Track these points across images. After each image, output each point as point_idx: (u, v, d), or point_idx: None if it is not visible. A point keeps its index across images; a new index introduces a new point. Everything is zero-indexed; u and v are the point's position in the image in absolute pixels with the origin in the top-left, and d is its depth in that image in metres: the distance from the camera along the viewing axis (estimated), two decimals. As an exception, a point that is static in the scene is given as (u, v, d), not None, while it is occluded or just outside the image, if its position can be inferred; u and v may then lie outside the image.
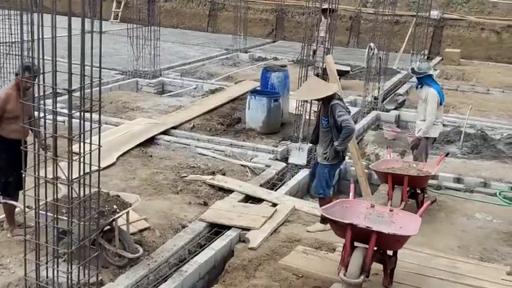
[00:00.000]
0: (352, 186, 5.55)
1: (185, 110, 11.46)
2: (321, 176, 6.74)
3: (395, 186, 7.24)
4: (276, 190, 8.05)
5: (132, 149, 9.21)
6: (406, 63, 17.14)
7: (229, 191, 7.83)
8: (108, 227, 5.66)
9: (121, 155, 8.89)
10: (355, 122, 11.70)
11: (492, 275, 5.71)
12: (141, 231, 6.44)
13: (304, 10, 11.55)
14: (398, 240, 4.74)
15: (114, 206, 5.69)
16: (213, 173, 8.44)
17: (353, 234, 4.64)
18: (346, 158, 9.17)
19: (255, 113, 10.46)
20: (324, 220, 6.81)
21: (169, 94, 13.52)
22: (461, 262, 5.98)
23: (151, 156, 9.07)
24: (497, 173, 9.05)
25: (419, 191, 7.50)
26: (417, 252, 6.02)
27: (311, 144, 7.34)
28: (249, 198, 7.68)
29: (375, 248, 4.70)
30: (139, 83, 14.04)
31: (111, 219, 5.50)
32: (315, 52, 9.95)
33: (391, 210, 5.14)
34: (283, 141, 10.01)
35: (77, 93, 4.37)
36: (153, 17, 22.69)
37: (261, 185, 8.12)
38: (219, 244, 6.38)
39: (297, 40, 20.37)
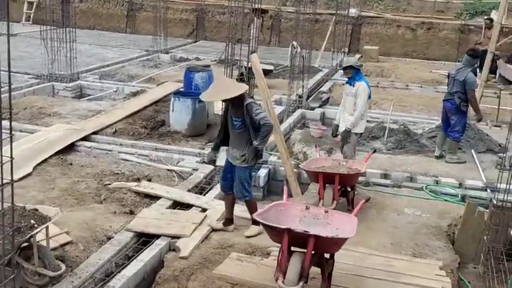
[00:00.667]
0: (285, 188, 5.38)
1: (106, 114, 10.98)
2: (242, 179, 6.43)
3: (326, 185, 7.15)
4: (204, 194, 7.80)
5: (50, 157, 8.68)
6: (328, 61, 17.31)
7: (156, 198, 7.50)
8: (26, 244, 5.22)
9: (38, 164, 8.35)
10: (281, 122, 11.65)
11: (426, 271, 5.72)
12: (63, 245, 6.00)
13: (225, 10, 11.44)
14: (336, 243, 4.61)
15: (32, 221, 5.24)
16: (138, 180, 8.07)
17: (290, 239, 4.47)
18: (275, 158, 9.12)
19: (179, 115, 10.15)
20: (256, 222, 6.72)
21: (88, 98, 12.94)
22: (396, 260, 5.96)
23: (71, 164, 8.58)
24: (422, 167, 9.19)
25: (349, 189, 7.45)
26: (352, 252, 5.95)
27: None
28: (178, 205, 7.39)
29: (313, 252, 4.54)
30: (56, 87, 13.37)
31: (29, 235, 5.06)
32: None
33: (326, 212, 5.01)
34: (209, 143, 9.76)
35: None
36: (68, 18, 21.83)
37: (189, 190, 7.84)
38: (148, 255, 6.05)
39: (219, 40, 20.23)
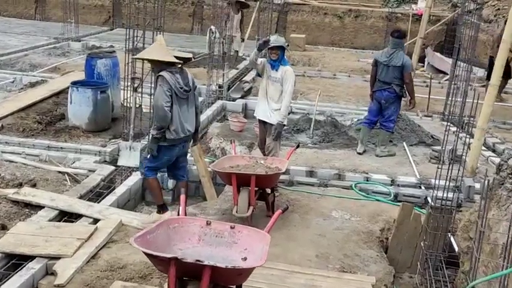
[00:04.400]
0: (182, 197, 4.28)
1: (-6, 107, 9.52)
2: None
3: (241, 187, 6.11)
4: (100, 201, 6.59)
5: None
6: (251, 49, 16.25)
7: (38, 208, 6.23)
8: None
9: None
10: (200, 113, 10.53)
11: (357, 290, 4.78)
12: None
13: None
14: (241, 274, 3.56)
15: None
16: (20, 185, 6.76)
17: (179, 270, 3.38)
18: (188, 155, 8.00)
19: (78, 107, 8.85)
20: (161, 208, 6.23)
21: (-24, 89, 11.36)
22: (322, 277, 4.99)
23: None
24: (352, 163, 8.32)
25: (269, 191, 6.45)
26: (269, 270, 4.93)
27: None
28: (65, 215, 6.16)
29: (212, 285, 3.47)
30: None
31: None
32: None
33: (232, 227, 3.94)
34: (113, 140, 8.54)
35: None
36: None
37: (81, 196, 6.61)
38: (17, 281, 4.80)
39: (140, 28, 18.73)
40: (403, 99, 8.96)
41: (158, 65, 6.04)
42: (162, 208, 6.26)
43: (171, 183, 7.47)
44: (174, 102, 5.96)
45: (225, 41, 11.84)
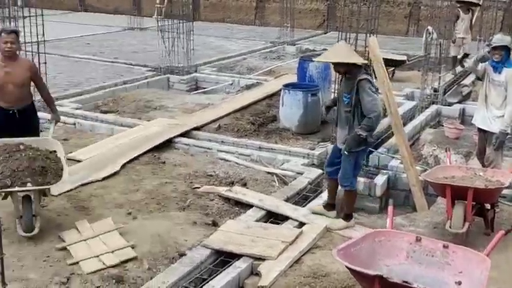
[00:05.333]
0: (390, 209, 3.98)
1: (213, 108, 10.10)
2: (345, 165, 5.80)
3: (456, 201, 5.58)
4: (306, 204, 6.54)
5: (144, 154, 7.90)
6: (473, 51, 15.16)
7: (247, 207, 6.38)
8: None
9: (128, 162, 7.59)
10: (411, 119, 10.07)
11: None
12: (124, 262, 5.07)
13: None
14: (455, 302, 3.17)
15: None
16: (232, 184, 7.01)
17: (384, 289, 3.11)
18: (397, 162, 7.64)
19: (289, 110, 8.97)
20: (347, 215, 5.94)
21: (199, 91, 12.19)
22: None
23: (163, 162, 7.73)
24: None
25: (488, 207, 5.82)
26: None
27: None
28: (271, 216, 6.22)
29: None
30: (171, 79, 12.78)
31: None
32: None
33: (445, 247, 3.55)
34: (322, 143, 8.49)
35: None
36: (198, 11, 21.63)
37: (288, 198, 6.63)
38: (223, 279, 4.92)
39: (352, 31, 18.63)
40: None
41: (349, 68, 5.68)
42: (350, 217, 6.01)
43: (379, 190, 7.17)
44: None
45: (442, 43, 11.12)
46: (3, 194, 5.37)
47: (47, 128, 6.92)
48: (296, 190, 6.88)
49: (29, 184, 5.24)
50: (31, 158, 5.40)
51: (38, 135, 6.38)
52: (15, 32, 6.05)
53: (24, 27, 9.35)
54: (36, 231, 5.36)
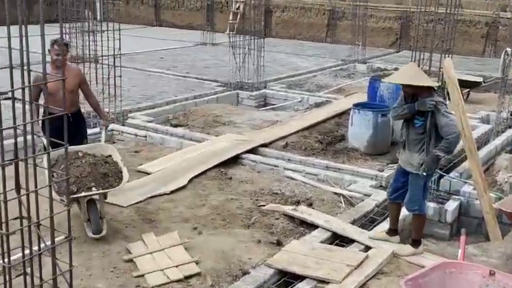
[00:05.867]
0: (462, 239, 3.82)
1: (281, 125, 10.09)
2: (415, 189, 5.64)
3: (534, 233, 5.32)
4: (372, 228, 6.39)
5: (211, 169, 7.97)
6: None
7: (313, 227, 6.30)
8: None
9: (195, 177, 7.68)
10: (486, 143, 9.71)
11: None
12: (188, 277, 5.10)
13: (433, 17, 10.04)
14: None
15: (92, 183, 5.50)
16: (298, 203, 6.94)
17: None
18: (470, 188, 7.38)
19: (358, 129, 8.85)
20: (415, 241, 5.77)
21: (267, 108, 12.23)
22: None
23: (230, 178, 7.77)
24: None
25: None
26: None
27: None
28: (337, 238, 6.11)
29: None
30: (240, 95, 12.91)
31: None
32: None
33: (522, 283, 3.37)
34: (391, 165, 8.29)
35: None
36: (269, 28, 21.84)
37: (354, 221, 6.50)
38: (287, 300, 4.88)
39: (427, 51, 18.23)
40: None
41: (419, 90, 5.50)
42: (418, 243, 5.81)
43: (450, 216, 6.92)
44: None
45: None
46: (70, 200, 5.55)
47: (98, 134, 7.24)
48: (363, 212, 6.74)
49: (94, 188, 5.46)
50: (92, 164, 5.67)
51: (87, 142, 6.63)
52: (66, 45, 6.55)
53: (102, 41, 9.72)
54: (104, 232, 5.62)
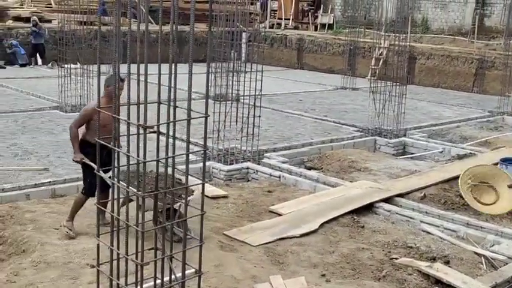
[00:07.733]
0: None
1: (419, 175, 9.67)
2: None
3: None
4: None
5: (343, 215, 7.79)
6: None
7: (448, 287, 5.88)
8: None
9: (326, 222, 7.54)
10: None
11: None
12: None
13: None
14: None
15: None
16: (434, 259, 6.54)
17: None
18: None
19: (505, 186, 8.24)
20: None
21: (407, 156, 11.81)
22: None
23: (362, 227, 7.53)
24: None
25: None
26: None
27: None
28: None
29: None
30: (378, 142, 12.62)
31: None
32: None
33: None
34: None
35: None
36: (412, 75, 21.36)
37: (496, 285, 5.98)
38: None
39: None
40: None
41: None
42: None
43: None
44: None
45: None
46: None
47: None
48: (507, 277, 6.19)
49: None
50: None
51: None
52: (122, 80, 6.62)
53: (244, 81, 10.02)
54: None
